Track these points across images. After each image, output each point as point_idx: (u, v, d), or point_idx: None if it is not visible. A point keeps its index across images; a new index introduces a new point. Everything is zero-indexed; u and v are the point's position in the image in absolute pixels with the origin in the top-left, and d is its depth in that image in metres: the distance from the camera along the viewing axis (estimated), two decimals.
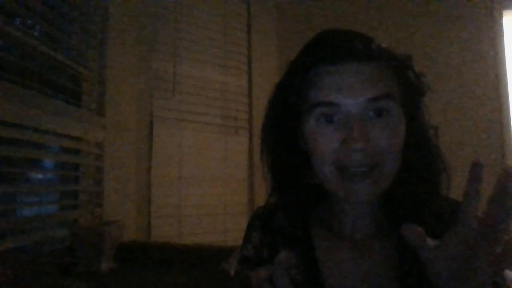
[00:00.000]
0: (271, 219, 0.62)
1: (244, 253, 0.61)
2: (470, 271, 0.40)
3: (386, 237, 0.55)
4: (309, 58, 0.54)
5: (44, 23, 1.42)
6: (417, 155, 0.53)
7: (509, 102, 2.46)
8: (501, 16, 2.51)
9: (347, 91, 0.50)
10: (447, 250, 0.41)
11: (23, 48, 1.29)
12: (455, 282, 0.41)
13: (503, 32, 2.50)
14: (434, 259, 0.42)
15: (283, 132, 0.57)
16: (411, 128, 0.53)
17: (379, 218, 0.56)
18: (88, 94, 1.65)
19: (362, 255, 0.55)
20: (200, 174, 2.14)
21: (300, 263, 0.54)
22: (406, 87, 0.54)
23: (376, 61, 0.51)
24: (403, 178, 0.53)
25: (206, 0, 2.29)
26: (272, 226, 0.61)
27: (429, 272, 0.43)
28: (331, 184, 0.52)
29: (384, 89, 0.50)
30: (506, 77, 2.47)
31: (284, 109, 0.56)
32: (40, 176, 1.62)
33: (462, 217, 0.40)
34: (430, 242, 0.42)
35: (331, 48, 0.52)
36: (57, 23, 1.49)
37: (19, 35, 1.25)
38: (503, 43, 2.49)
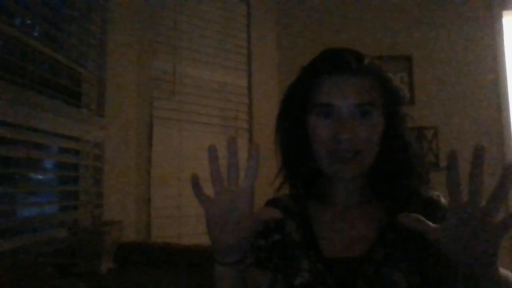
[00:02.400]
0: (277, 200, 0.80)
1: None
2: (476, 242, 0.48)
3: (368, 205, 0.72)
4: (315, 69, 0.70)
5: (44, 23, 1.41)
6: (394, 148, 0.70)
7: (509, 102, 2.46)
8: (500, 16, 2.52)
9: (340, 96, 0.66)
10: (451, 228, 0.50)
11: (23, 48, 1.29)
12: (463, 254, 0.49)
13: (502, 32, 2.50)
14: (441, 238, 0.50)
15: (292, 124, 0.74)
16: (391, 129, 0.69)
17: (364, 192, 0.73)
18: (88, 95, 1.65)
19: (349, 219, 0.71)
20: (200, 174, 2.14)
21: (299, 228, 0.73)
22: (388, 98, 0.69)
23: (365, 75, 0.67)
24: (383, 163, 0.70)
25: (206, 0, 2.29)
26: (278, 205, 0.78)
27: (440, 247, 0.51)
28: (324, 164, 0.69)
29: (368, 98, 0.66)
30: (506, 77, 2.48)
31: (294, 106, 0.73)
32: (40, 176, 1.62)
33: (469, 195, 0.48)
34: (431, 225, 0.52)
35: (332, 63, 0.68)
36: (57, 23, 1.49)
37: (19, 35, 1.25)
38: (503, 43, 2.50)
